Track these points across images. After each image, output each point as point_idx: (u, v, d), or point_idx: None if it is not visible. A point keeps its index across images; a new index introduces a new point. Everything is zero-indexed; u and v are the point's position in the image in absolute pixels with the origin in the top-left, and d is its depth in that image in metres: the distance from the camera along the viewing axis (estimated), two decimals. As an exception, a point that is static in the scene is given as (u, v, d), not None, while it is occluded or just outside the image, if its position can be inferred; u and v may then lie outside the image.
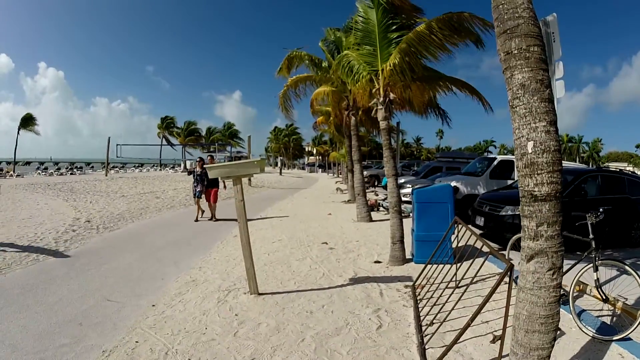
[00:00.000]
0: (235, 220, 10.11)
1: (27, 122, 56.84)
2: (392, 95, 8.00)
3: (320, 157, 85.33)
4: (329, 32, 15.43)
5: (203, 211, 14.03)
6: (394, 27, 8.10)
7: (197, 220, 13.53)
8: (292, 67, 15.10)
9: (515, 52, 3.01)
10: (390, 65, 7.62)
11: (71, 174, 47.13)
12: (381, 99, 7.95)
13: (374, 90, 8.18)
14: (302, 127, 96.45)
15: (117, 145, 59.24)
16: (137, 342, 4.52)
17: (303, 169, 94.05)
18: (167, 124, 77.65)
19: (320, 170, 76.58)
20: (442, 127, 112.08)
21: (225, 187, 15.04)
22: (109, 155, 45.84)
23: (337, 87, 14.42)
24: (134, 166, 73.28)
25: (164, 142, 77.41)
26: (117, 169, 60.81)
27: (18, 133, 55.96)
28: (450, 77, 9.94)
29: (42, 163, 76.59)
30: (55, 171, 50.08)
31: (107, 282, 6.77)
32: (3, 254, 8.48)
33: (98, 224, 12.45)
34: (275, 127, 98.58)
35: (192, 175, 14.23)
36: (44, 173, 47.32)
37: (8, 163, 65.19)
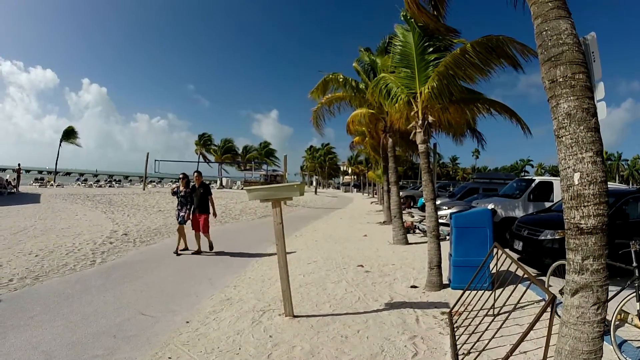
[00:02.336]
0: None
1: (69, 135, 58.56)
2: (430, 119, 7.94)
3: (355, 177, 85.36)
4: (363, 54, 15.51)
5: (185, 246, 11.05)
6: (431, 50, 8.06)
7: (178, 252, 10.55)
8: (327, 90, 15.18)
9: (561, 80, 2.96)
10: (428, 88, 7.58)
11: (109, 186, 48.52)
12: (419, 122, 7.90)
13: (412, 113, 8.13)
14: (338, 147, 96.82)
15: (155, 160, 60.54)
16: (170, 358, 4.54)
17: (338, 188, 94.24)
18: (204, 141, 78.78)
19: (355, 189, 76.56)
20: (478, 147, 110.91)
21: (215, 214, 11.50)
22: (147, 170, 46.93)
23: (373, 108, 14.42)
24: (171, 181, 74.60)
25: (201, 159, 78.51)
26: (154, 183, 62.06)
27: (60, 145, 57.74)
28: (489, 99, 9.83)
29: (81, 174, 78.73)
30: (94, 183, 51.56)
31: (142, 296, 6.87)
32: (42, 261, 8.77)
33: (135, 237, 12.71)
34: (311, 146, 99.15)
35: (176, 196, 11.15)
36: (83, 184, 48.88)
37: (49, 173, 67.16)
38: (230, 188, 59.79)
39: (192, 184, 11.29)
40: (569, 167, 2.90)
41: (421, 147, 8.02)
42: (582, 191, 2.82)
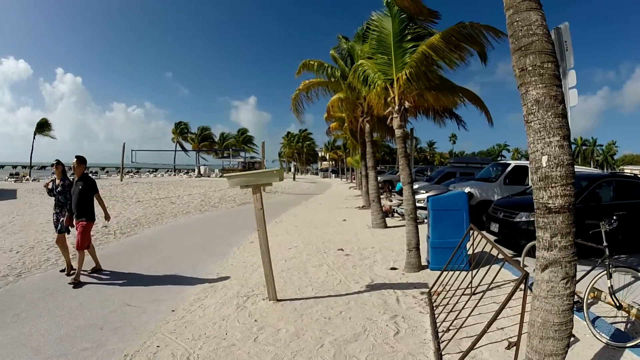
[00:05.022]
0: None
1: (43, 127, 57.60)
2: (407, 104, 8.08)
3: (333, 163, 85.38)
4: (341, 41, 15.68)
5: (68, 264, 7.79)
6: (409, 37, 8.19)
7: (68, 273, 7.66)
8: (308, 71, 15.37)
9: (530, 68, 3.10)
10: (405, 75, 7.71)
11: None
12: (396, 108, 8.03)
13: (389, 99, 8.26)
14: (316, 133, 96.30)
15: (132, 150, 60.16)
16: (158, 346, 4.60)
17: (316, 174, 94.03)
18: (181, 130, 78.29)
19: (333, 175, 76.58)
20: (455, 132, 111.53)
21: (108, 216, 8.41)
22: (124, 161, 46.54)
23: (349, 94, 14.57)
24: (148, 171, 74.18)
25: (178, 147, 77.99)
26: (131, 174, 61.65)
27: (34, 138, 56.76)
28: (462, 88, 10.07)
29: (57, 167, 77.94)
30: (70, 176, 50.91)
31: (127, 287, 6.90)
32: (23, 257, 8.67)
33: (115, 229, 12.62)
34: (289, 133, 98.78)
35: (51, 195, 8.00)
36: None
37: (24, 167, 66.08)
38: (209, 176, 59.57)
39: (71, 176, 8.19)
40: (537, 151, 3.05)
41: (398, 132, 8.17)
42: (549, 173, 2.98)
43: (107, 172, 71.72)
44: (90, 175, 7.82)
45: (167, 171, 74.94)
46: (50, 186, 7.91)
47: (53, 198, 7.88)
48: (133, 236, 11.73)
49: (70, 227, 7.77)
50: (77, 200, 7.45)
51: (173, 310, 5.76)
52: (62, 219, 7.71)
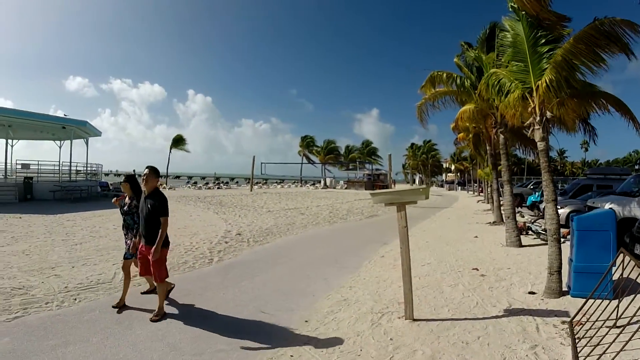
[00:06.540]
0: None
1: (178, 142, 63.53)
2: (548, 114, 7.51)
3: (459, 174, 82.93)
4: (464, 48, 15.35)
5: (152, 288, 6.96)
6: (543, 41, 7.63)
7: (120, 306, 6.20)
8: (435, 85, 15.09)
9: None
10: (545, 82, 7.18)
11: (218, 188, 52.15)
12: (537, 119, 7.50)
13: (528, 109, 7.73)
14: (440, 143, 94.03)
15: (261, 163, 63.82)
16: (292, 356, 4.69)
17: (441, 186, 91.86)
18: (307, 143, 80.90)
19: (459, 187, 74.23)
20: (587, 139, 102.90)
21: (158, 250, 5.79)
22: (253, 172, 49.46)
23: (479, 104, 14.03)
24: (276, 182, 77.62)
25: (304, 160, 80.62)
26: (260, 184, 64.95)
27: (170, 151, 62.52)
28: (604, 92, 9.25)
29: (190, 177, 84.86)
30: (203, 185, 56.00)
31: (260, 294, 7.11)
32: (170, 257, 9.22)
33: (248, 237, 13.19)
34: (413, 144, 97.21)
35: (120, 211, 6.72)
36: (193, 186, 54.54)
37: (161, 176, 72.65)
38: (334, 188, 61.03)
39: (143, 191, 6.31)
40: None
41: (540, 145, 7.56)
42: None
43: (237, 182, 76.18)
44: (162, 190, 6.59)
45: (294, 182, 77.74)
46: (120, 199, 6.81)
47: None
48: (265, 245, 12.20)
49: (135, 251, 6.37)
50: (146, 222, 5.98)
51: (306, 321, 5.87)
52: (128, 242, 6.56)
